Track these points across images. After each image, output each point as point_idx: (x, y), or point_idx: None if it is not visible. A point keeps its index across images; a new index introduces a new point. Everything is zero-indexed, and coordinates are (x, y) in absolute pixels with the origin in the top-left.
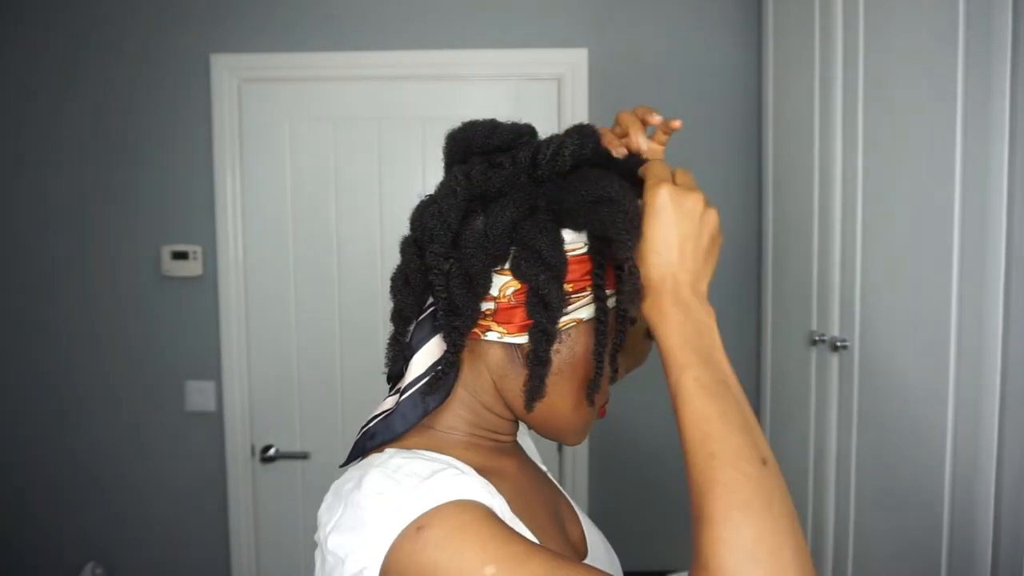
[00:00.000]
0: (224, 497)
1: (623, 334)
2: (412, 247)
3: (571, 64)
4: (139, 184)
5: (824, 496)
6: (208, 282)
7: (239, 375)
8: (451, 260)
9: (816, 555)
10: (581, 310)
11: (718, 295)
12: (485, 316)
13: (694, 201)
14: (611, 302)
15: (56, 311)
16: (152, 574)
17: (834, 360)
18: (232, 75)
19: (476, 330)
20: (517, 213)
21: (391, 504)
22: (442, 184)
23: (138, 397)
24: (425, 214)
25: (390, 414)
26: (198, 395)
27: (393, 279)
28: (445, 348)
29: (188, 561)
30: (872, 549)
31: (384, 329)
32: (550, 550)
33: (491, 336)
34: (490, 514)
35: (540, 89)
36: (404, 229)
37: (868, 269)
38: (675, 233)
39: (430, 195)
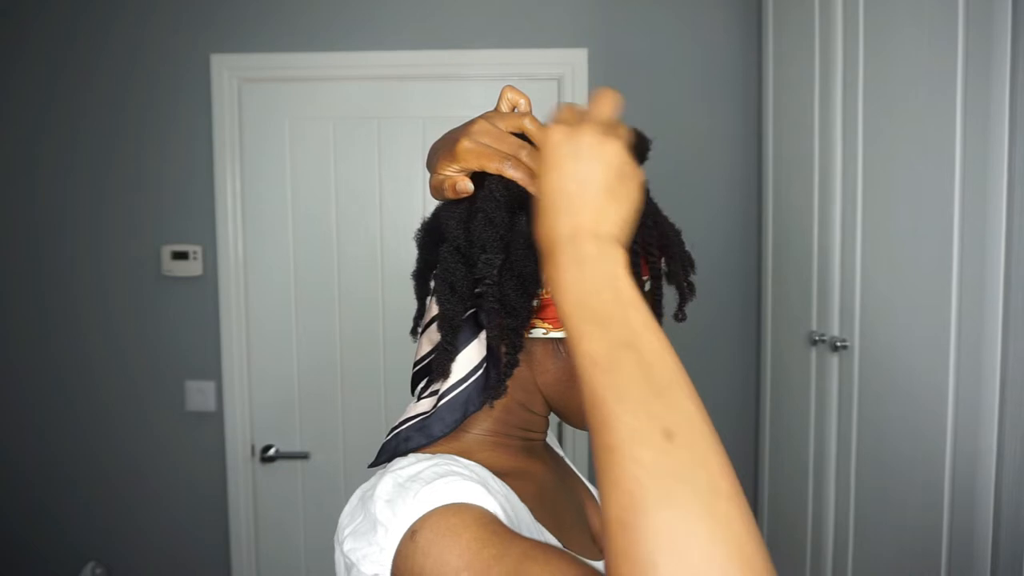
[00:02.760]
0: (224, 497)
1: (660, 318)
2: (456, 255)
3: (571, 64)
4: (139, 184)
5: (824, 496)
6: (208, 282)
7: (239, 375)
8: (502, 263)
9: (816, 555)
10: None
11: (718, 295)
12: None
13: (589, 137)
14: (646, 288)
15: (56, 311)
16: (152, 574)
17: (834, 360)
18: (232, 75)
19: None
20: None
21: (396, 511)
22: (483, 193)
23: (138, 397)
24: (472, 223)
25: (427, 417)
26: (198, 395)
27: (439, 292)
28: (487, 351)
29: (188, 561)
30: (872, 549)
31: (384, 329)
32: (529, 542)
33: (537, 333)
34: (481, 516)
35: (540, 89)
36: (404, 229)
37: (868, 269)
38: (561, 179)
39: (463, 204)
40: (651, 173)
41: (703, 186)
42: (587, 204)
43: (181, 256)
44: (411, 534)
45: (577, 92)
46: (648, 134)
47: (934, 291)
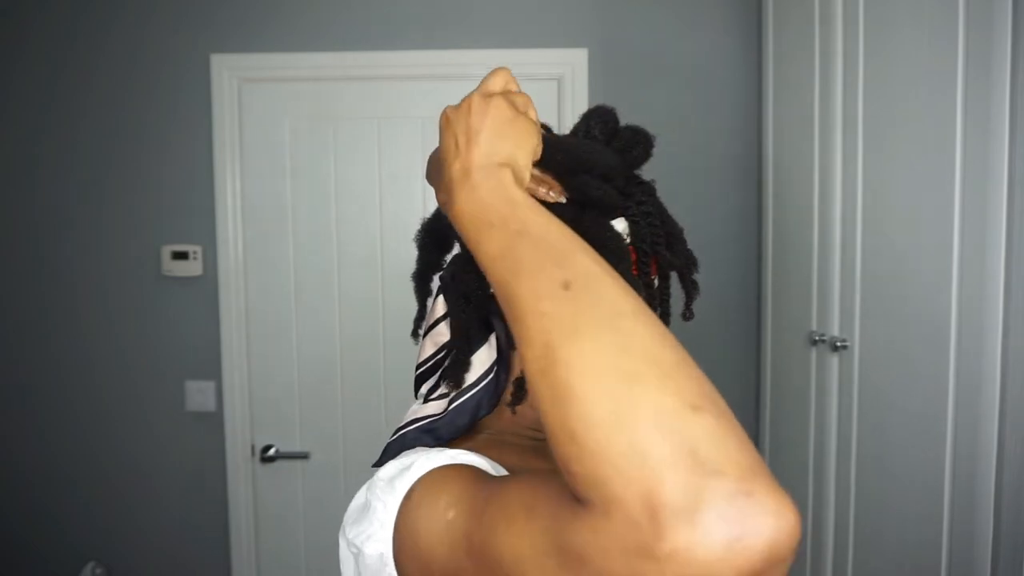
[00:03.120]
0: (224, 497)
1: (667, 316)
2: (469, 266)
3: (571, 64)
4: (139, 184)
5: (824, 496)
6: (208, 282)
7: (239, 375)
8: None
9: (816, 555)
10: None
11: (719, 295)
12: None
13: (465, 101)
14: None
15: (56, 311)
16: (152, 574)
17: (834, 360)
18: (232, 75)
19: None
20: (572, 211)
21: (394, 488)
22: None
23: (138, 397)
24: None
25: (436, 420)
26: (198, 395)
27: (454, 303)
28: (497, 355)
29: (188, 561)
30: (872, 549)
31: (384, 329)
32: (506, 476)
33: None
34: (472, 469)
35: (540, 89)
36: (404, 229)
37: (868, 269)
38: (450, 134)
39: None
40: (651, 173)
41: (703, 186)
42: (473, 146)
43: (181, 256)
44: (407, 497)
45: (577, 92)
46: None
47: (934, 291)
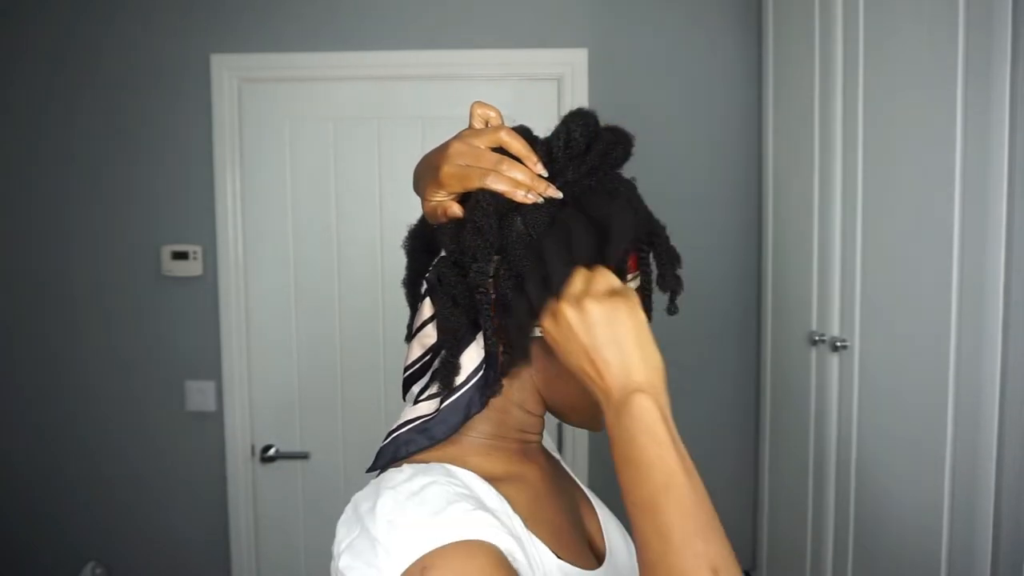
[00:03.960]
0: (224, 497)
1: (648, 312)
2: (453, 268)
3: (571, 64)
4: (139, 184)
5: (824, 496)
6: (208, 282)
7: (239, 375)
8: (498, 268)
9: (816, 555)
10: None
11: (719, 295)
12: None
13: (562, 317)
14: (633, 284)
15: (56, 311)
16: (152, 574)
17: (834, 360)
18: (232, 75)
19: None
20: (552, 209)
21: (401, 536)
22: (471, 203)
23: (138, 397)
24: (462, 235)
25: (429, 420)
26: (198, 395)
27: (441, 305)
28: (485, 352)
29: (188, 561)
30: (872, 549)
31: (384, 329)
32: None
33: (536, 332)
34: (495, 560)
35: (540, 89)
36: (404, 229)
37: (868, 269)
38: (574, 359)
39: (455, 218)
40: (651, 173)
41: (703, 186)
42: (602, 368)
43: (181, 256)
44: (420, 569)
45: (577, 92)
46: (648, 134)
47: (934, 291)
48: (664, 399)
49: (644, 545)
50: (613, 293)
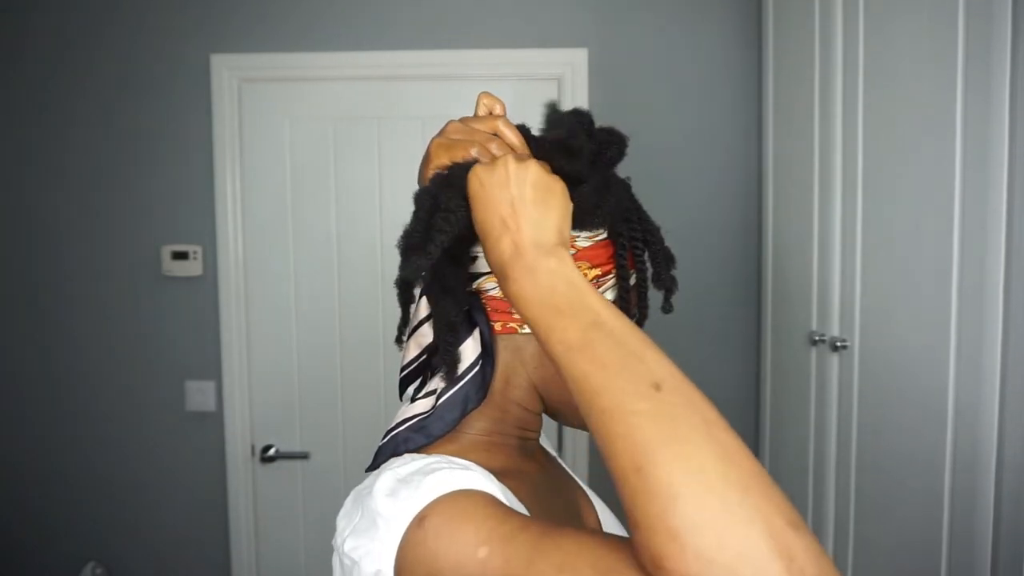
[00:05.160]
0: (224, 497)
1: (645, 310)
2: (446, 259)
3: (571, 64)
4: (139, 184)
5: (824, 496)
6: (208, 282)
7: (239, 375)
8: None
9: None
10: (608, 292)
11: (719, 295)
12: None
13: (500, 167)
14: (630, 281)
15: (56, 311)
16: (152, 574)
17: (834, 360)
18: (232, 75)
19: (513, 324)
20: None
21: (398, 503)
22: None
23: (138, 397)
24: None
25: (426, 417)
26: (198, 395)
27: (431, 292)
28: (482, 347)
29: (188, 561)
30: (872, 549)
31: (384, 329)
32: (544, 522)
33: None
34: (490, 498)
35: (540, 89)
36: (403, 229)
37: (868, 269)
38: (493, 207)
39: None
40: (651, 173)
41: (703, 186)
42: (521, 221)
43: (181, 256)
44: (419, 521)
45: (577, 92)
46: (648, 134)
47: (934, 291)
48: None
49: (583, 380)
50: (555, 176)
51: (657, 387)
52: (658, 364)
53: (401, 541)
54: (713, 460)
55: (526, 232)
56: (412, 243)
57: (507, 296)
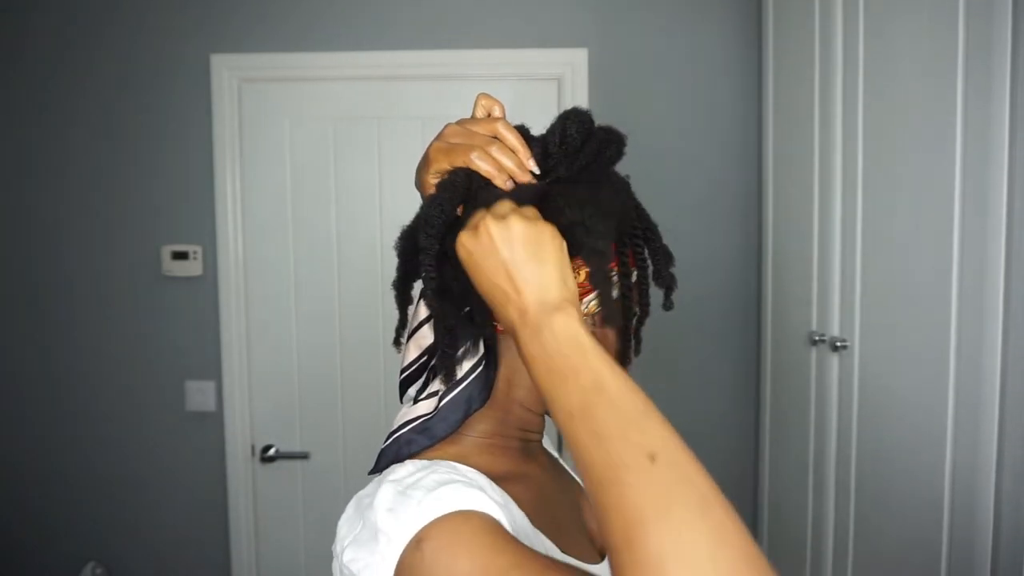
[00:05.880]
0: (224, 497)
1: (646, 307)
2: (444, 260)
3: (571, 64)
4: (139, 184)
5: (824, 496)
6: (208, 282)
7: (239, 375)
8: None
9: (816, 555)
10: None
11: (719, 295)
12: None
13: (483, 234)
14: (633, 278)
15: (57, 311)
16: (152, 574)
17: (834, 360)
18: (232, 75)
19: None
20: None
21: (399, 519)
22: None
23: (138, 397)
24: (430, 207)
25: (429, 419)
26: (198, 395)
27: (430, 292)
28: (484, 348)
29: (188, 561)
30: (872, 549)
31: (384, 329)
32: (543, 557)
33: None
34: (490, 524)
35: (540, 89)
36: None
37: (868, 269)
38: (488, 277)
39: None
40: (651, 173)
41: (703, 186)
42: (520, 285)
43: (181, 256)
44: (416, 543)
45: (577, 92)
46: (648, 134)
47: (934, 291)
48: (581, 316)
49: (583, 450)
50: (538, 218)
51: (652, 458)
52: (656, 434)
53: (399, 560)
54: (704, 540)
55: (527, 295)
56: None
57: (522, 359)
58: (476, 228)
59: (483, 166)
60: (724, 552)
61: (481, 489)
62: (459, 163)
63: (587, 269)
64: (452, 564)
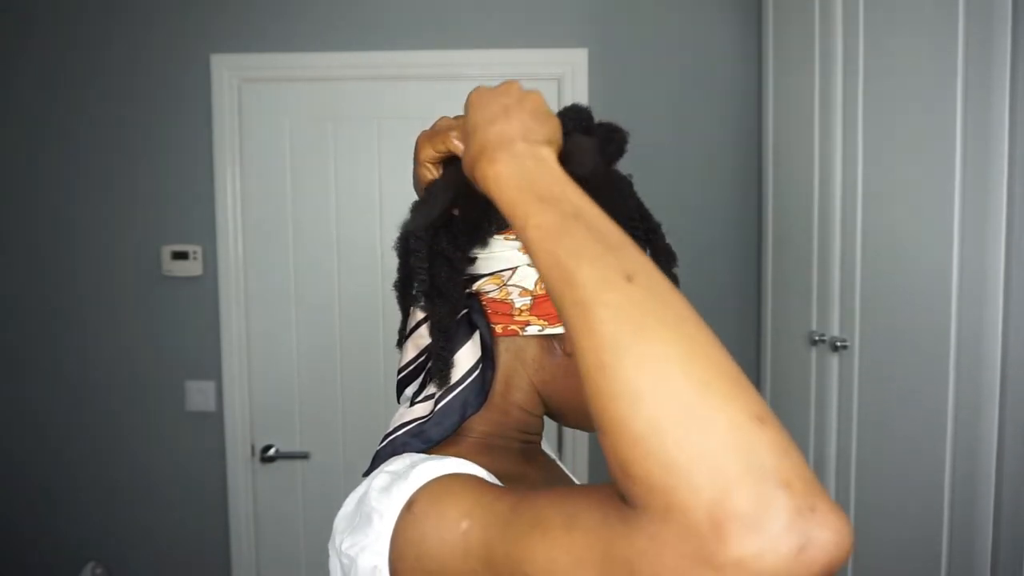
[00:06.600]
0: (224, 497)
1: None
2: (441, 257)
3: (571, 64)
4: (139, 184)
5: None
6: (208, 282)
7: (239, 375)
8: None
9: None
10: None
11: (719, 295)
12: (521, 312)
13: (506, 83)
14: None
15: (57, 311)
16: (152, 574)
17: (834, 360)
18: (232, 75)
19: (514, 327)
20: None
21: (390, 496)
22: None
23: (138, 397)
24: (431, 202)
25: (424, 422)
26: (198, 395)
27: (423, 293)
28: (482, 351)
29: (188, 561)
30: (872, 549)
31: (384, 329)
32: (523, 489)
33: (532, 330)
34: (474, 478)
35: (540, 89)
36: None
37: (868, 269)
38: (493, 103)
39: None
40: (651, 173)
41: (703, 186)
42: (513, 119)
43: (181, 256)
44: (408, 507)
45: (577, 92)
46: (648, 134)
47: (934, 291)
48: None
49: (555, 269)
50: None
51: (629, 279)
52: (633, 258)
53: (393, 530)
54: (677, 355)
55: (515, 128)
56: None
57: (479, 177)
58: (500, 86)
59: (461, 147)
60: (696, 366)
61: (474, 464)
62: (441, 147)
63: None
64: (442, 513)
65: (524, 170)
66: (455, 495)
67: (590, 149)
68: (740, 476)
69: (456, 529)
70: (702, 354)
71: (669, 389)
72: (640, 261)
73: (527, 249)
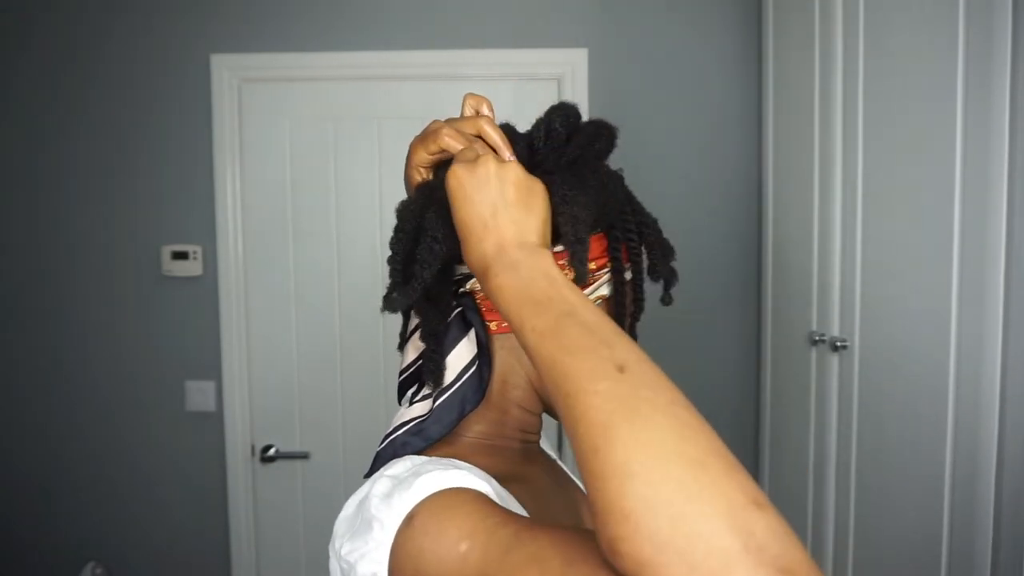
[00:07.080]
0: (224, 497)
1: (641, 303)
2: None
3: (571, 64)
4: (139, 184)
5: (824, 496)
6: (208, 282)
7: (239, 375)
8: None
9: (816, 555)
10: (603, 287)
11: (718, 295)
12: None
13: (482, 167)
14: (626, 275)
15: (57, 311)
16: (152, 574)
17: (834, 360)
18: (232, 75)
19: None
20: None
21: (391, 506)
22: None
23: (138, 397)
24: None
25: (424, 420)
26: (198, 395)
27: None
28: (478, 348)
29: (188, 561)
30: (872, 549)
31: (384, 329)
32: (530, 520)
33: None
34: (478, 495)
35: (540, 89)
36: None
37: (868, 269)
38: (474, 208)
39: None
40: (651, 172)
41: (703, 186)
42: (503, 222)
43: (181, 256)
44: (408, 520)
45: (577, 92)
46: (648, 133)
47: (934, 291)
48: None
49: (552, 367)
50: (535, 178)
51: (621, 369)
52: (625, 350)
53: (392, 544)
54: (670, 437)
55: (509, 233)
56: (394, 275)
57: (486, 291)
58: (475, 162)
59: (454, 144)
60: (690, 447)
61: (479, 478)
62: (433, 148)
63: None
64: (441, 530)
65: (520, 278)
66: (456, 514)
67: (583, 204)
68: (738, 558)
69: (455, 549)
70: (696, 436)
71: (663, 469)
72: (632, 351)
73: (526, 351)
